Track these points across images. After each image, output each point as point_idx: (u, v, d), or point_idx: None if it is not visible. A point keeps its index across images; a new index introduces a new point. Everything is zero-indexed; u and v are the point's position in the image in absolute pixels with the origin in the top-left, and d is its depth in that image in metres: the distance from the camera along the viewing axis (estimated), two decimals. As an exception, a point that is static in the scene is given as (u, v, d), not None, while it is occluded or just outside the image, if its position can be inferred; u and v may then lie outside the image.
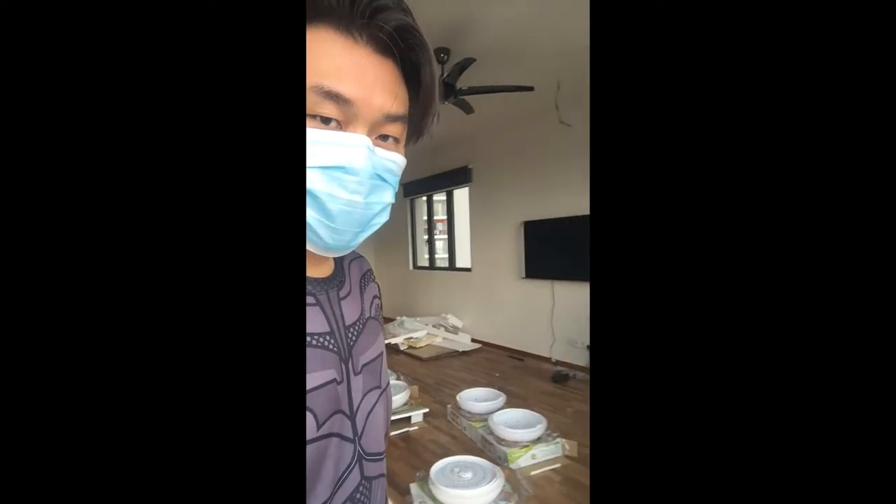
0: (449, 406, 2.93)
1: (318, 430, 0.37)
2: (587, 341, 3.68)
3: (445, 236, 5.66)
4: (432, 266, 5.93)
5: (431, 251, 6.03)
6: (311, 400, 0.37)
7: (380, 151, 0.37)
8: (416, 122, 0.41)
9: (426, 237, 6.11)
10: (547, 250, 3.98)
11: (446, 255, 5.68)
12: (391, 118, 0.36)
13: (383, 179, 0.38)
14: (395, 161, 0.38)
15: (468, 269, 5.10)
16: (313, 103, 0.33)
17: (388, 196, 0.39)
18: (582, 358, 3.75)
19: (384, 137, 0.37)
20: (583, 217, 3.59)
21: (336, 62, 0.34)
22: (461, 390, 3.03)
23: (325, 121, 0.34)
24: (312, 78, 0.33)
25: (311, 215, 0.35)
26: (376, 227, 0.40)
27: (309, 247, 0.38)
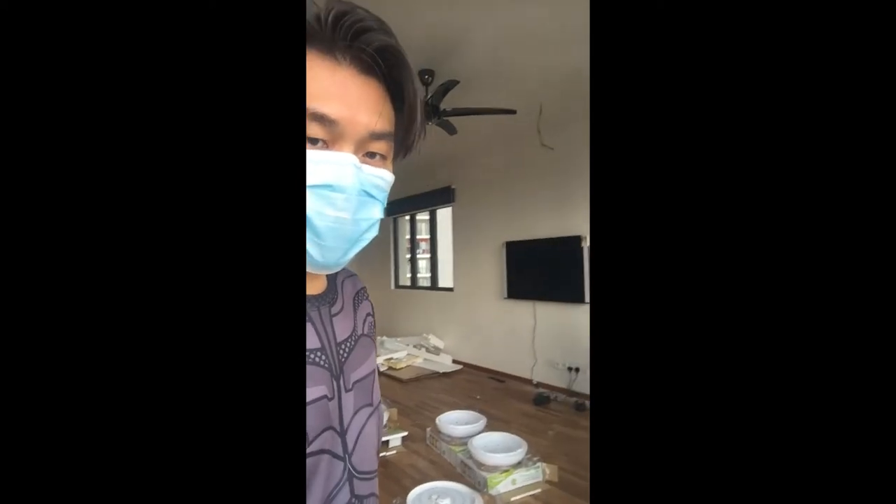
0: (428, 429, 2.87)
1: (308, 446, 0.37)
2: (568, 363, 3.68)
3: (428, 255, 5.65)
4: (414, 285, 5.89)
5: (414, 270, 6.00)
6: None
7: (367, 168, 0.37)
8: (401, 138, 0.41)
9: (409, 256, 6.08)
10: (528, 271, 4.00)
11: (429, 275, 5.65)
12: (376, 136, 0.37)
13: (371, 196, 0.38)
14: (382, 177, 0.39)
15: (450, 289, 5.08)
16: None
17: (376, 212, 0.39)
18: (563, 380, 3.74)
19: (371, 155, 0.38)
20: (563, 238, 3.63)
21: (321, 84, 0.34)
22: (441, 413, 2.98)
23: (312, 141, 0.35)
24: None
25: None
26: (366, 243, 0.40)
27: None
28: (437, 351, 5.02)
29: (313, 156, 0.34)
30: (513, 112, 2.85)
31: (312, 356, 0.41)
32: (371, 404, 0.46)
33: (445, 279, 5.30)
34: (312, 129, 0.34)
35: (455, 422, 2.83)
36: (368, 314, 0.53)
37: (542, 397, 3.56)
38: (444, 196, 4.99)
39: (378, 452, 0.48)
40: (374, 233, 0.40)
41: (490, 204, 4.46)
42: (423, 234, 6.27)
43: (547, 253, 3.76)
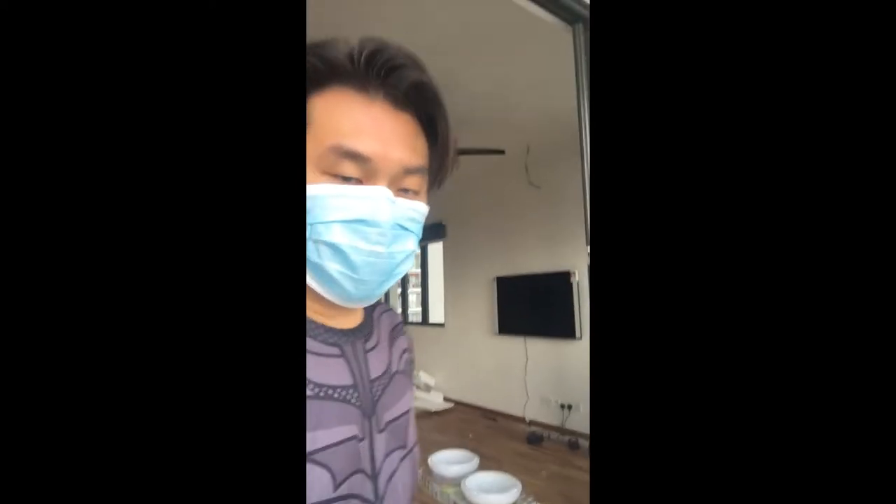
0: (420, 470, 2.78)
1: (335, 490, 0.35)
2: (560, 400, 3.63)
3: (419, 289, 5.63)
4: (405, 321, 5.82)
5: (405, 305, 5.97)
6: (328, 456, 0.35)
7: (401, 201, 0.37)
8: (435, 171, 0.41)
9: (399, 291, 6.07)
10: (519, 306, 4.01)
11: (419, 310, 5.62)
12: (410, 171, 0.37)
13: (405, 228, 0.38)
14: (417, 210, 0.38)
15: (441, 325, 5.05)
16: (334, 162, 0.34)
17: (410, 244, 0.39)
18: (556, 418, 3.68)
19: (405, 190, 0.38)
20: (553, 274, 3.66)
21: (354, 120, 0.35)
22: (433, 453, 2.90)
23: (346, 179, 0.35)
24: (332, 138, 0.34)
25: (335, 268, 0.35)
26: (400, 276, 0.40)
27: (334, 299, 0.38)
28: (427, 388, 4.92)
29: (347, 191, 0.34)
30: (502, 152, 2.95)
31: (344, 393, 0.38)
32: (405, 447, 0.43)
33: (436, 315, 5.27)
34: (346, 167, 0.34)
35: (447, 461, 2.75)
36: (405, 350, 0.51)
37: (535, 436, 3.49)
38: (436, 232, 5.04)
39: (412, 498, 0.45)
40: (409, 265, 0.40)
41: (480, 240, 4.52)
42: (413, 268, 6.28)
43: (537, 288, 3.79)
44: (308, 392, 0.35)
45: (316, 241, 0.35)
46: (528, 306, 3.89)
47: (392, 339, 0.49)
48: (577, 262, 3.42)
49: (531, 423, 3.84)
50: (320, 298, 0.38)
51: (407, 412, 0.45)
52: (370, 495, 0.38)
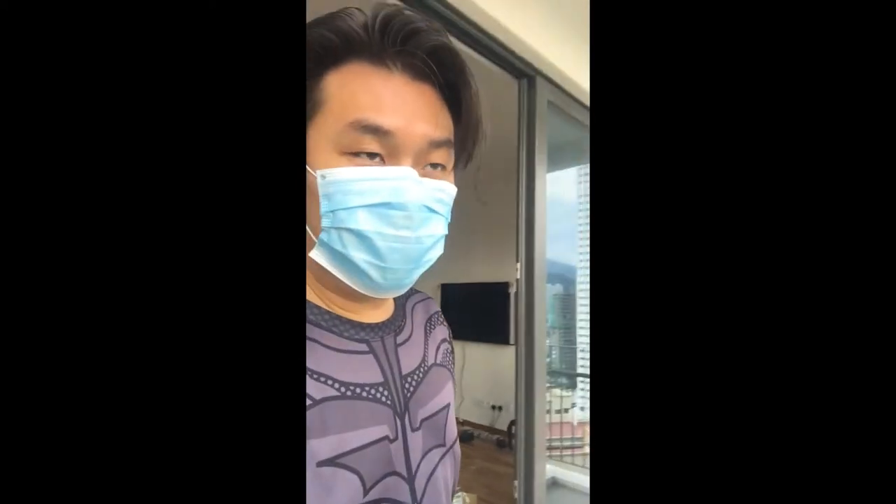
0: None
1: (365, 496, 0.33)
2: (492, 401, 3.89)
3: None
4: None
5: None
6: (357, 460, 0.33)
7: (427, 182, 0.35)
8: (461, 145, 0.39)
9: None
10: (460, 312, 4.24)
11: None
12: (436, 144, 0.35)
13: (433, 211, 0.36)
14: (444, 190, 0.36)
15: (385, 327, 5.14)
16: (355, 140, 0.32)
17: (440, 228, 0.37)
18: (487, 418, 3.93)
19: (433, 166, 0.36)
20: (494, 284, 3.91)
21: (373, 94, 0.33)
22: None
23: (371, 156, 0.33)
24: (352, 114, 0.32)
25: (361, 257, 0.34)
26: (431, 263, 0.38)
27: (361, 289, 0.36)
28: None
29: (369, 173, 0.33)
30: (455, 168, 3.17)
31: (373, 391, 0.36)
32: (443, 444, 0.41)
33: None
34: (368, 143, 0.32)
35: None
36: (444, 340, 0.48)
37: (467, 434, 3.72)
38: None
39: (451, 498, 0.43)
40: (439, 251, 0.38)
41: (429, 247, 4.69)
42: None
43: (478, 296, 4.00)
44: (334, 392, 0.34)
45: (339, 229, 0.33)
46: (469, 312, 4.11)
47: (428, 330, 0.46)
48: (514, 275, 3.69)
49: (464, 422, 4.07)
50: (345, 291, 0.37)
51: (445, 407, 0.43)
52: (406, 498, 0.36)
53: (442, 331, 0.48)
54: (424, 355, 0.43)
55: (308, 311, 0.36)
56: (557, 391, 3.20)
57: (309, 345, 0.34)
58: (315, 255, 0.35)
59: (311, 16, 0.33)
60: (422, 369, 0.42)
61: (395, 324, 0.42)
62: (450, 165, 0.38)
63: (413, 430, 0.38)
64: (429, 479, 0.38)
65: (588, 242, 0.32)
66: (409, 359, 0.41)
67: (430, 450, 0.39)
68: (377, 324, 0.40)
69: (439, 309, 0.51)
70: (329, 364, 0.35)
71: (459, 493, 2.47)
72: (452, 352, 0.49)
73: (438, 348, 0.46)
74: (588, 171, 1.91)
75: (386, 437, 0.36)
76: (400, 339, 0.42)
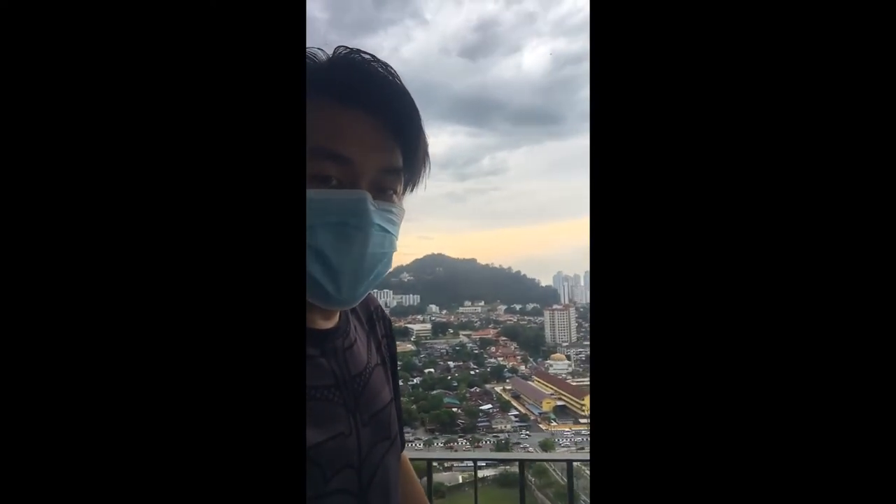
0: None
1: (326, 485, 0.37)
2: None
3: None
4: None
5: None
6: (319, 453, 0.37)
7: (380, 204, 0.39)
8: (409, 173, 0.43)
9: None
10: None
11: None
12: (388, 171, 0.39)
13: (384, 230, 0.40)
14: (394, 211, 0.41)
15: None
16: (314, 165, 0.35)
17: (390, 245, 0.41)
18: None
19: (383, 191, 0.40)
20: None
21: (333, 125, 0.37)
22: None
23: (326, 180, 0.37)
24: (313, 141, 0.34)
25: (317, 271, 0.36)
26: (381, 278, 0.42)
27: (316, 301, 0.39)
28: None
29: (327, 194, 0.36)
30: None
31: (327, 393, 0.40)
32: (389, 437, 0.45)
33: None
34: (327, 168, 0.36)
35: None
36: (384, 336, 0.52)
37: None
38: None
39: (396, 488, 0.46)
40: (388, 267, 0.41)
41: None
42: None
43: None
44: None
45: None
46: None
47: (370, 328, 0.51)
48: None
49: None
50: None
51: (388, 403, 0.47)
52: (354, 488, 0.40)
53: (381, 326, 0.53)
54: (369, 356, 0.48)
55: None
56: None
57: None
58: None
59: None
60: (368, 370, 0.46)
61: (341, 329, 0.46)
62: (399, 191, 0.43)
63: (363, 425, 0.42)
64: (377, 469, 0.42)
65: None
66: (356, 361, 0.45)
67: (377, 442, 0.43)
68: (328, 330, 0.44)
69: (379, 304, 0.55)
70: None
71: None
72: (394, 343, 0.54)
73: (380, 347, 0.51)
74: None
75: (341, 434, 0.39)
76: (346, 343, 0.46)
